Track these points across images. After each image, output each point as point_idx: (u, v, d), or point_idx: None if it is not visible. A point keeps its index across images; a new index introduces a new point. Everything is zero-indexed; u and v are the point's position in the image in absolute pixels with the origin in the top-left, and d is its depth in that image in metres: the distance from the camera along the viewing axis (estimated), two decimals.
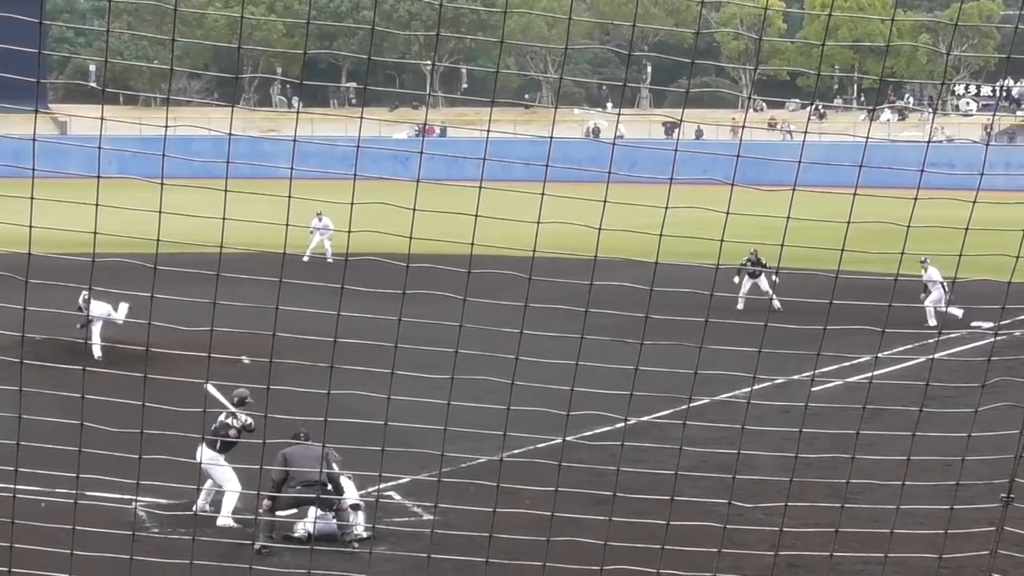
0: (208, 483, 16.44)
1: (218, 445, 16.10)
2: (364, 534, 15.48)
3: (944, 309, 31.33)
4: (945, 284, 31.28)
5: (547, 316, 7.06)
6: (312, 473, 14.82)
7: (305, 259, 40.15)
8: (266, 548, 14.71)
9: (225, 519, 15.90)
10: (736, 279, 33.37)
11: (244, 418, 16.21)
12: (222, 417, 16.22)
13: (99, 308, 25.67)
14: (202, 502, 16.25)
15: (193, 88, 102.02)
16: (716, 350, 7.31)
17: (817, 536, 9.96)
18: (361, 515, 15.79)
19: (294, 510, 15.71)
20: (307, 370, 8.03)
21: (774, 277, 31.70)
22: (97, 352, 25.62)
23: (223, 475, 16.14)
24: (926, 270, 31.28)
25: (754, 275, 33.21)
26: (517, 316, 7.22)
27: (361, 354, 7.04)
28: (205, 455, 16.04)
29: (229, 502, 16.08)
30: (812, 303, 8.10)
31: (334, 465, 15.64)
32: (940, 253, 8.06)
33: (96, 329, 26.17)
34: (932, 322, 30.68)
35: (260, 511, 15.26)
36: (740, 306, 31.68)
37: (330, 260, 40.74)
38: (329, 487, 15.27)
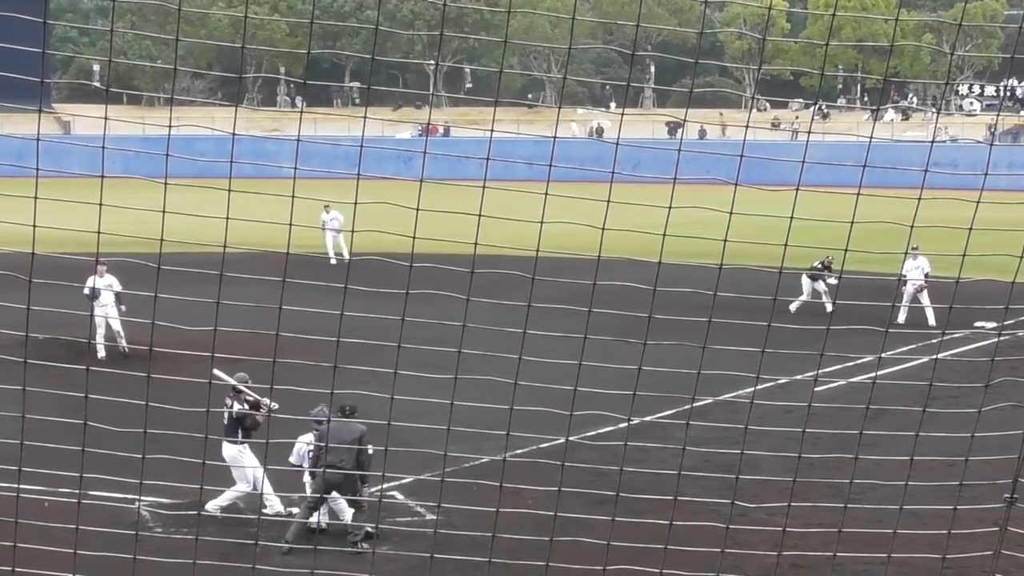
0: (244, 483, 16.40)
1: (239, 434, 16.08)
2: (369, 528, 15.47)
3: (926, 304, 30.60)
4: (926, 279, 30.01)
5: (550, 316, 7.05)
6: (343, 451, 14.71)
7: (333, 262, 38.95)
8: (292, 549, 14.62)
9: (214, 507, 15.85)
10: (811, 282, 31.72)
11: (252, 396, 16.13)
12: (228, 403, 16.15)
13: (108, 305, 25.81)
14: (278, 505, 16.42)
15: (197, 88, 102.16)
16: (719, 350, 7.30)
17: (820, 536, 9.94)
18: (355, 513, 15.76)
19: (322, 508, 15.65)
20: (310, 370, 8.02)
21: (832, 280, 30.32)
22: (101, 352, 25.67)
23: (239, 473, 16.09)
24: (916, 258, 29.45)
25: (814, 279, 31.35)
26: (520, 316, 7.22)
27: (364, 354, 7.04)
28: (229, 451, 16.02)
29: (230, 495, 16.04)
30: (815, 303, 8.09)
31: (369, 448, 15.47)
32: (943, 253, 8.02)
33: (101, 329, 26.20)
34: (930, 321, 30.48)
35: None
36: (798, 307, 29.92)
37: (346, 258, 36.96)
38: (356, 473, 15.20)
